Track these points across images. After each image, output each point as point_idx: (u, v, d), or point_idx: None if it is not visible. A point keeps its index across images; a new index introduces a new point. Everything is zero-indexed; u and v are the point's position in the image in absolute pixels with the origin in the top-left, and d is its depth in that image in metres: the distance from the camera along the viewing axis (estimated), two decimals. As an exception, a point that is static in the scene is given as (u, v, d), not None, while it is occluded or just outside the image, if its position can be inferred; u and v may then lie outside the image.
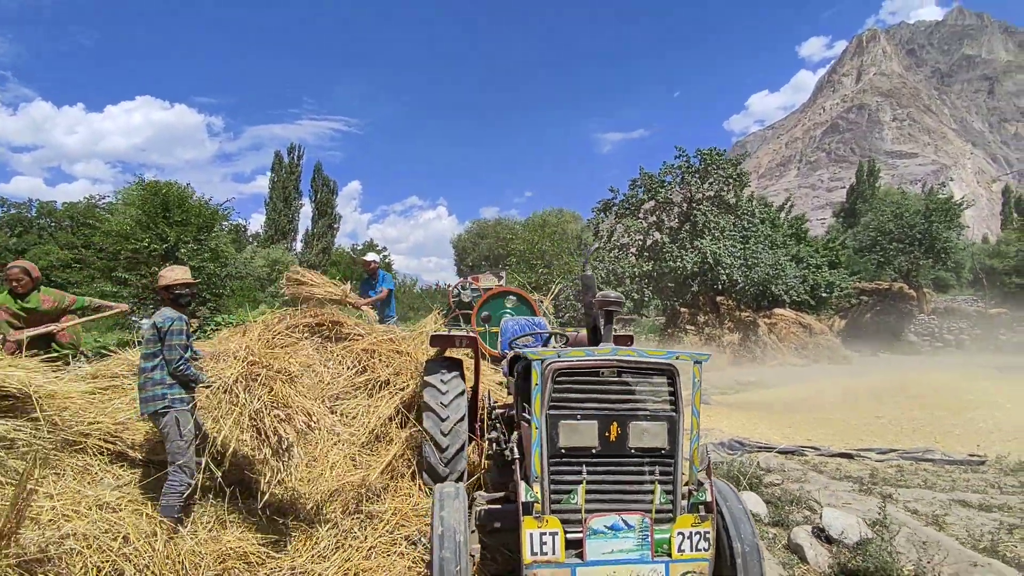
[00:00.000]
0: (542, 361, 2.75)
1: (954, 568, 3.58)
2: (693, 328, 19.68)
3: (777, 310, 22.25)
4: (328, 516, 4.15)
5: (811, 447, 7.14)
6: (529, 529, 2.54)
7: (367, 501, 4.24)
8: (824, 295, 23.08)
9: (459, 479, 4.54)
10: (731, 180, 20.49)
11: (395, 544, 3.88)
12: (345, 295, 6.26)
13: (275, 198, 45.76)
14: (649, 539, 2.61)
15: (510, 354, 4.33)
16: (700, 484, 2.81)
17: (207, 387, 3.83)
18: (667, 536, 2.63)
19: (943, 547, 3.90)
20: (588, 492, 2.69)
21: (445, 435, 4.52)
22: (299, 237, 48.05)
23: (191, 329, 4.02)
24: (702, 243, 18.88)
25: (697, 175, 20.20)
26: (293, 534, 3.89)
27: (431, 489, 4.50)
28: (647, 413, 2.79)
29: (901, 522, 4.31)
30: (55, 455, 3.86)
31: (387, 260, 61.30)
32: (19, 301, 4.75)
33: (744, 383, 15.27)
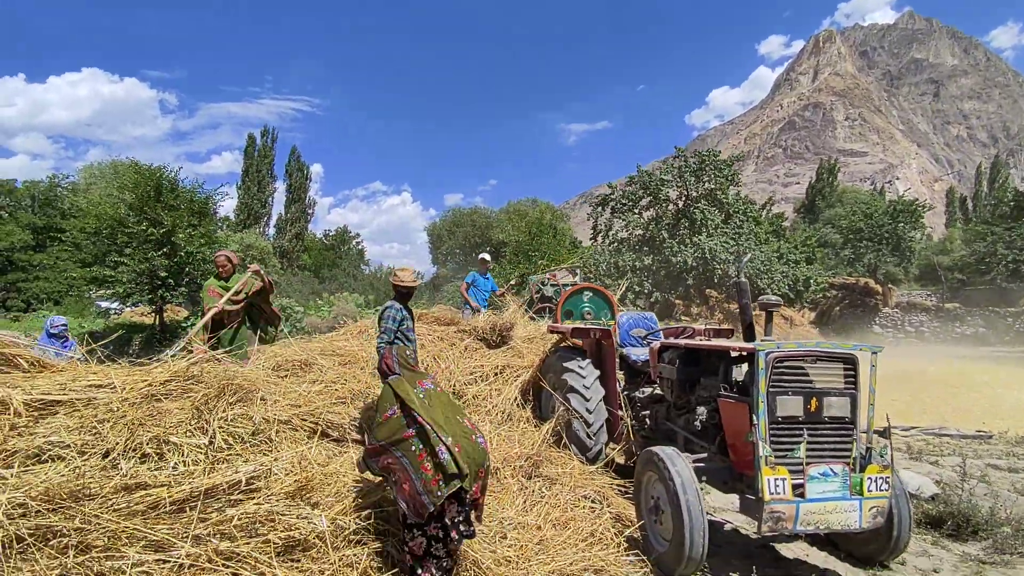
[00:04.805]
0: (765, 352, 3.60)
1: (1021, 511, 4.63)
2: (688, 319, 20.96)
3: (762, 302, 23.84)
4: (506, 482, 4.89)
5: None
6: (768, 476, 3.40)
7: (542, 467, 5.01)
8: (801, 289, 24.73)
9: (599, 451, 5.37)
10: (724, 180, 21.84)
11: (578, 502, 4.67)
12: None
13: (248, 181, 44.65)
14: (848, 482, 3.52)
15: (657, 344, 5.15)
16: (878, 443, 3.72)
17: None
18: (859, 480, 3.54)
19: (1002, 497, 4.98)
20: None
21: (591, 412, 5.33)
22: (272, 222, 47.44)
23: (408, 317, 4.78)
24: (699, 239, 20.14)
25: (694, 174, 21.42)
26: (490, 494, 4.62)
27: (583, 458, 5.31)
28: (836, 390, 3.68)
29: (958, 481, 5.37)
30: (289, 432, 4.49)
31: (360, 247, 60.99)
32: (222, 282, 5.70)
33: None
